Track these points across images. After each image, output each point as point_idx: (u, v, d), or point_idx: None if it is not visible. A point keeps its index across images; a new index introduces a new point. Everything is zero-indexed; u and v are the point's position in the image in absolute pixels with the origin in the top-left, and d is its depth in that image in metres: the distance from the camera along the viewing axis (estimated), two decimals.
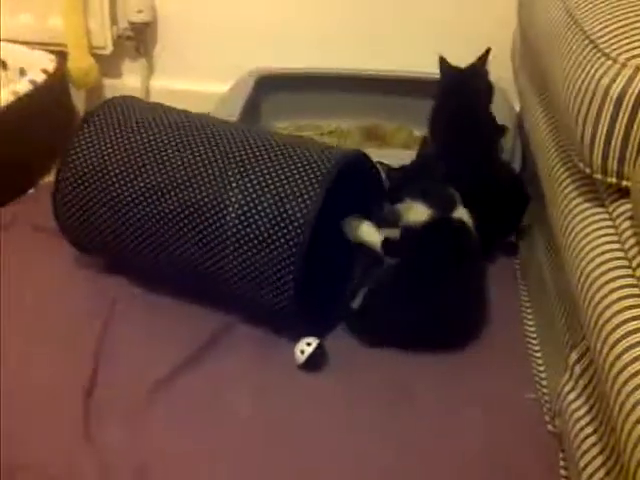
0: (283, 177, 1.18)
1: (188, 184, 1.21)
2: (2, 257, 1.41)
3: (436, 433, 1.10)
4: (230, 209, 1.18)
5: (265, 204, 1.16)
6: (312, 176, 1.17)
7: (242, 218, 1.17)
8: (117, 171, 1.25)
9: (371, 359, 1.23)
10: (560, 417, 1.05)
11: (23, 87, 1.61)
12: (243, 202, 1.17)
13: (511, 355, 1.25)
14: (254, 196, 1.17)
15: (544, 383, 1.18)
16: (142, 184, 1.23)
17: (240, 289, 1.22)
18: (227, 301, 1.29)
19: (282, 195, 1.16)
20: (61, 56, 1.79)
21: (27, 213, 1.54)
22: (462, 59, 1.79)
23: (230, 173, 1.20)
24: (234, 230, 1.17)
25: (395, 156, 1.56)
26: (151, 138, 1.27)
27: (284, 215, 1.15)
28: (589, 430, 0.94)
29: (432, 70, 1.80)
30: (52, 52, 1.78)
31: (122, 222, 1.25)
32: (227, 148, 1.23)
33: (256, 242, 1.16)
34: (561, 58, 0.99)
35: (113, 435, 1.07)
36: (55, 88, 1.72)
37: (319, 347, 1.20)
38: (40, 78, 1.65)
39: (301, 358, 1.19)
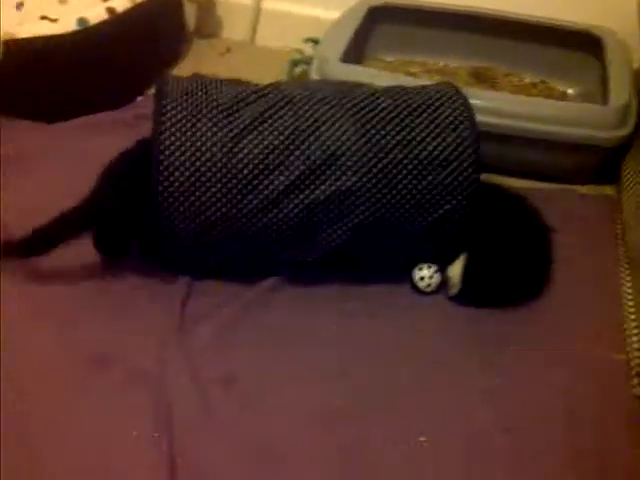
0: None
1: None
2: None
3: (520, 389, 1.10)
4: None
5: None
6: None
7: None
8: None
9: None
10: None
11: None
12: None
13: (604, 315, 1.22)
14: None
15: (635, 346, 1.15)
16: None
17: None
18: None
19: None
20: None
21: (135, 117, 1.57)
22: (583, 12, 1.72)
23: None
24: None
25: (502, 100, 1.52)
26: None
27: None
28: None
29: (550, 16, 1.74)
30: None
31: None
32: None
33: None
34: None
35: (204, 343, 1.11)
36: None
37: (432, 277, 1.22)
38: None
39: (417, 277, 1.22)
